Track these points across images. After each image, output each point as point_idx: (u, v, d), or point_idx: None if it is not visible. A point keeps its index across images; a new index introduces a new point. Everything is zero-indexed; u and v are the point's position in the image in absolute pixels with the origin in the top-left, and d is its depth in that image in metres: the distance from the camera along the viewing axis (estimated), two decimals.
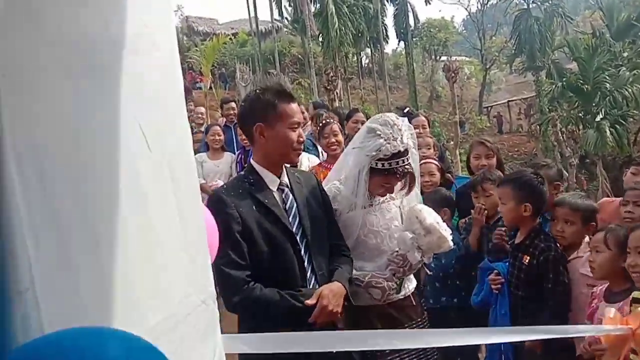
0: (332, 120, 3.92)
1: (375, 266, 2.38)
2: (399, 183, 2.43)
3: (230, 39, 27.01)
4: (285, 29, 31.67)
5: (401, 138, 2.29)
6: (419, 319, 2.50)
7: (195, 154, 6.18)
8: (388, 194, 2.45)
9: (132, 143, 0.83)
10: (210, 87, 19.94)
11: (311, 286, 2.08)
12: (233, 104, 6.74)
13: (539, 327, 2.00)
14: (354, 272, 2.30)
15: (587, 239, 2.64)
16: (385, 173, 2.30)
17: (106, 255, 0.72)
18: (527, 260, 2.61)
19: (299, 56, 27.87)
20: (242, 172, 2.28)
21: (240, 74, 22.81)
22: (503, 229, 2.90)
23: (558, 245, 2.65)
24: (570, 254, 2.65)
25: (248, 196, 2.05)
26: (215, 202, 2.03)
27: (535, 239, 2.64)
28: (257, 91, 2.13)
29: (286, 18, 29.69)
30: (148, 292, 0.82)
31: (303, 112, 5.18)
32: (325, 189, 2.40)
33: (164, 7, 0.97)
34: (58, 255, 0.68)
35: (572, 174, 13.99)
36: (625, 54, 18.42)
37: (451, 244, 2.41)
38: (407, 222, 2.40)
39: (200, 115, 7.37)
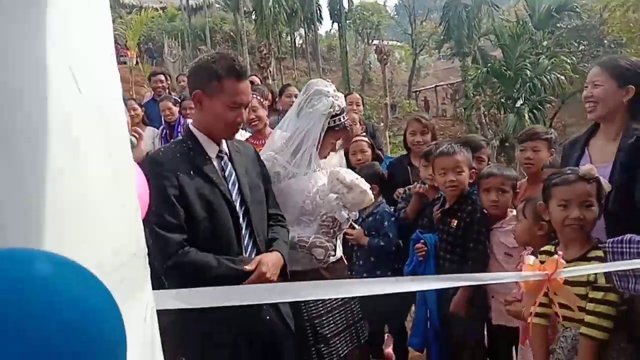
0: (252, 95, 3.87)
1: (313, 231, 2.43)
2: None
3: (159, 12, 25.90)
4: (217, 5, 30.85)
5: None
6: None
7: None
8: (320, 162, 2.53)
9: (61, 83, 0.79)
10: (137, 62, 19.09)
11: (248, 254, 2.05)
12: (162, 77, 6.50)
13: (462, 274, 2.12)
14: (296, 236, 2.34)
15: (513, 212, 2.80)
16: (337, 129, 2.46)
17: (34, 200, 0.68)
18: (455, 224, 2.74)
19: (231, 33, 27.25)
20: (180, 137, 2.19)
21: (168, 49, 22.05)
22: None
23: (485, 211, 2.78)
24: (495, 223, 2.78)
25: (186, 161, 1.98)
26: (151, 164, 1.93)
27: (464, 204, 2.77)
28: (209, 57, 2.02)
29: None
30: (78, 242, 0.79)
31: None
32: (262, 158, 2.39)
33: None
34: None
35: (493, 156, 14.74)
36: (545, 43, 19.49)
37: (372, 196, 2.52)
38: (329, 186, 2.47)
39: None
